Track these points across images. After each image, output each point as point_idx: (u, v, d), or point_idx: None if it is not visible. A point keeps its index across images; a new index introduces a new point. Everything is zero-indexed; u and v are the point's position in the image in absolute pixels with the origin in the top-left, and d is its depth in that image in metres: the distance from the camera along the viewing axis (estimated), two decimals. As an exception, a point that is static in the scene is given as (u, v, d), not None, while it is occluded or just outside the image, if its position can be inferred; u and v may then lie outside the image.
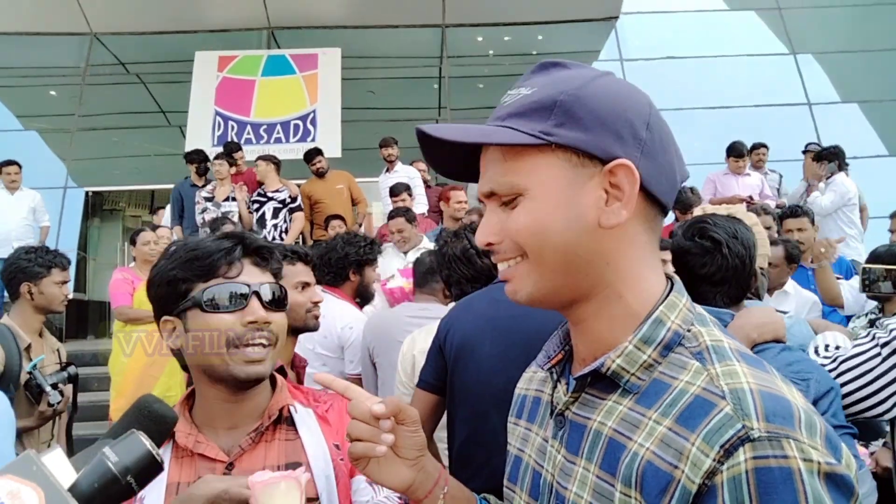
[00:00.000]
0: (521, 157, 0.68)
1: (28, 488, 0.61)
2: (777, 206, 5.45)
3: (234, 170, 6.35)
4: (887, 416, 1.73)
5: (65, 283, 2.77)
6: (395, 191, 5.41)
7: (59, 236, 7.96)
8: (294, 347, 1.98)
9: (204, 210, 5.90)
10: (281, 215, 5.91)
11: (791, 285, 3.38)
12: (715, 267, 1.50)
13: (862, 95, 9.17)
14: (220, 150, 6.73)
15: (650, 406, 0.64)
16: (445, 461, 1.94)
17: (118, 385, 4.02)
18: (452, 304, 2.13)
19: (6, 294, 2.80)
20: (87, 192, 9.03)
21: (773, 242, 3.37)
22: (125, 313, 4.11)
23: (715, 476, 0.56)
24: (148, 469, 0.70)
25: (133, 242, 4.60)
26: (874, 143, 8.74)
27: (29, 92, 9.77)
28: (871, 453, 2.26)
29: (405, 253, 4.23)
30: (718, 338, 0.68)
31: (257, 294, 1.08)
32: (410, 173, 6.44)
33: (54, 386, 2.47)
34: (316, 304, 1.98)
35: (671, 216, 5.02)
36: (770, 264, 3.26)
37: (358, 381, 2.72)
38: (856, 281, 3.48)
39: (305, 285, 1.96)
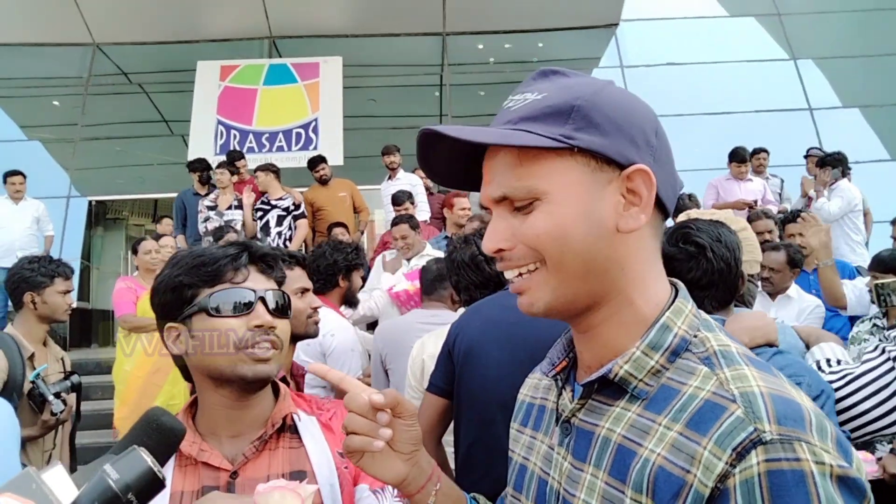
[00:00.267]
0: (538, 160, 0.66)
1: (27, 507, 0.60)
2: (779, 211, 5.44)
3: (236, 178, 6.36)
4: None
5: (68, 292, 2.77)
6: (398, 200, 5.37)
7: (62, 245, 7.97)
8: (293, 356, 1.98)
9: (206, 219, 5.90)
10: (285, 223, 5.89)
11: (794, 289, 3.38)
12: (700, 271, 1.50)
13: (863, 100, 9.17)
14: (223, 158, 6.75)
15: (659, 412, 0.64)
16: (453, 466, 1.94)
17: (122, 393, 4.01)
18: (462, 310, 2.13)
19: (10, 303, 2.81)
20: (90, 202, 9.05)
21: (775, 247, 3.36)
22: (129, 322, 4.11)
23: (727, 479, 0.56)
24: (149, 486, 0.70)
25: (135, 251, 4.61)
26: (875, 148, 8.74)
27: (32, 102, 9.81)
28: (878, 459, 2.22)
29: (408, 260, 4.24)
30: (725, 342, 0.68)
31: (263, 300, 1.08)
32: (412, 180, 6.43)
33: (57, 395, 2.47)
34: (315, 309, 1.98)
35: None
36: (773, 269, 3.27)
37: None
38: (859, 280, 3.47)
39: (304, 291, 1.97)
